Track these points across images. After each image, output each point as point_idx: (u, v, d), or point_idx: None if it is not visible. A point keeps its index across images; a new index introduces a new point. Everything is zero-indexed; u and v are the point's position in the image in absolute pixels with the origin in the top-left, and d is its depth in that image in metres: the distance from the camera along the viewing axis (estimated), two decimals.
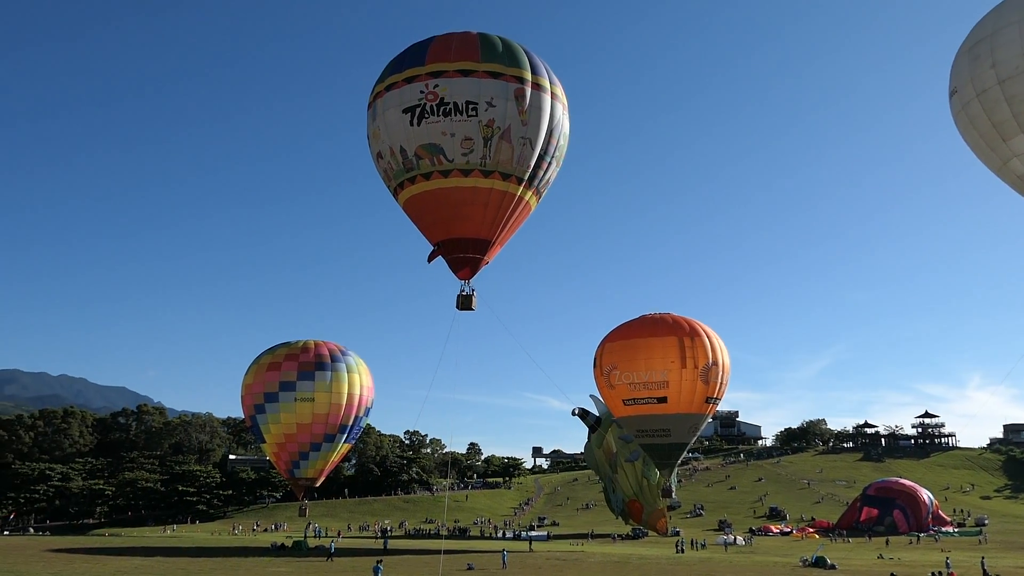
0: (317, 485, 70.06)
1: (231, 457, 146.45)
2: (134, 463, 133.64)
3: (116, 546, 70.30)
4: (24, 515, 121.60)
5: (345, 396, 65.75)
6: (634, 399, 62.93)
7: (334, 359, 66.85)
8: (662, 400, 61.69)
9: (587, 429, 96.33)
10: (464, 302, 36.40)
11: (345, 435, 66.75)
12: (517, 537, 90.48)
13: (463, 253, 36.18)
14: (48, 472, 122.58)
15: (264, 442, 67.83)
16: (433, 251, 36.77)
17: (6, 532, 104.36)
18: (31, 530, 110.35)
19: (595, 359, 67.78)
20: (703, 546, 74.82)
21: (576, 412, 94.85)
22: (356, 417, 67.20)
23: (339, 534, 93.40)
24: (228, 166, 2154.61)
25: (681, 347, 62.19)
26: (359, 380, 67.39)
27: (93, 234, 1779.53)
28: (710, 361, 62.48)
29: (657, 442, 62.95)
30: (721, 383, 63.56)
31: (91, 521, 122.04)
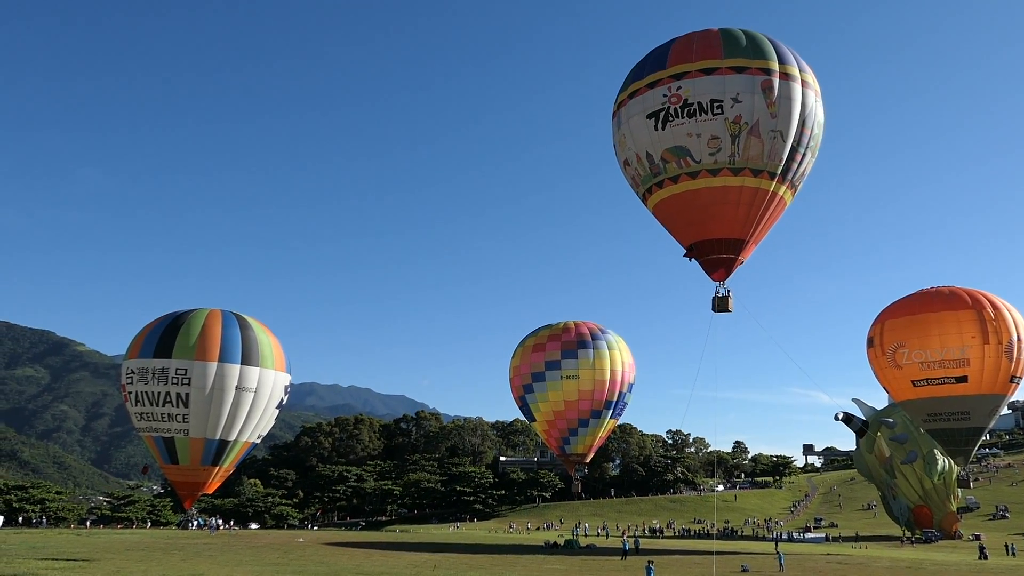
0: (587, 461, 71.65)
1: (501, 459, 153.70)
2: (416, 465, 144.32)
3: (406, 541, 76.32)
4: (328, 512, 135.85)
5: (608, 372, 67.01)
6: (927, 379, 57.80)
7: (594, 337, 68.37)
8: (961, 379, 56.35)
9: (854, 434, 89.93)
10: (720, 304, 35.62)
11: (611, 411, 67.97)
12: (791, 539, 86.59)
13: (716, 254, 35.47)
14: (345, 474, 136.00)
15: (534, 420, 70.77)
16: (686, 254, 36.32)
17: (315, 527, 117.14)
18: (361, 523, 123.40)
19: (871, 339, 62.85)
20: (1014, 552, 66.88)
21: (840, 417, 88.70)
22: (620, 393, 68.15)
23: (624, 532, 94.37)
24: (474, 166, 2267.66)
25: (981, 321, 56.65)
26: (620, 357, 68.37)
27: (369, 263, 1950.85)
28: (1014, 336, 56.46)
29: (953, 426, 57.52)
30: None
31: (383, 518, 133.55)
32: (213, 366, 48.30)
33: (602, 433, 69.03)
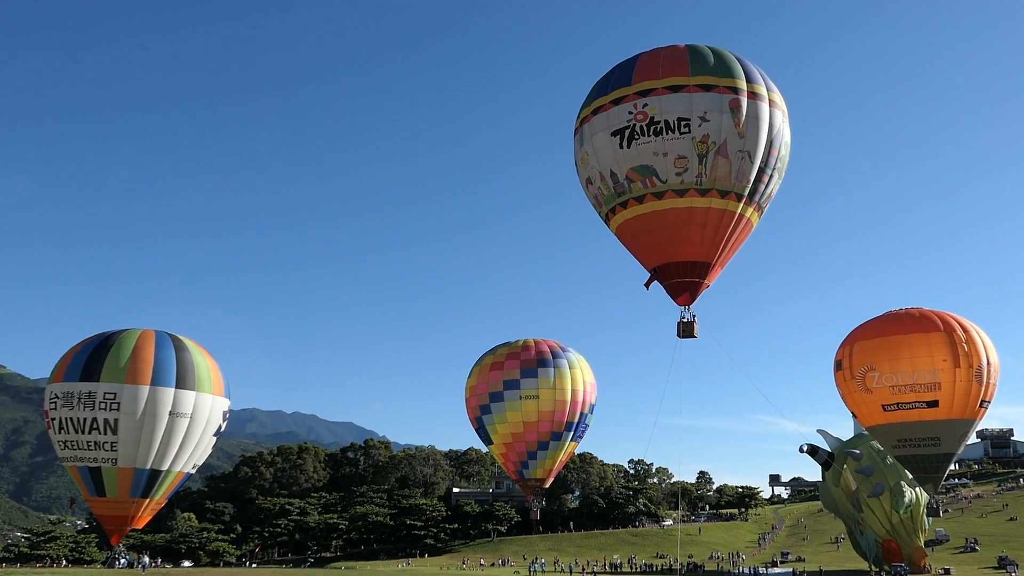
0: (546, 486, 71.63)
1: (455, 490, 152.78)
2: (364, 497, 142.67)
3: None
4: (268, 548, 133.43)
5: (569, 392, 67.16)
6: (897, 404, 58.92)
7: (555, 355, 68.54)
8: (932, 404, 57.53)
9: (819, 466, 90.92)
10: (685, 329, 36.14)
11: (571, 433, 68.11)
12: (757, 574, 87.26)
13: (682, 278, 36.06)
14: (288, 507, 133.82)
15: (491, 443, 70.56)
16: (650, 277, 36.72)
17: (253, 565, 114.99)
18: (309, 559, 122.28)
19: (839, 361, 63.82)
20: None
21: (805, 449, 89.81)
22: (581, 414, 68.35)
23: (584, 568, 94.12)
24: (427, 183, 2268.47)
25: (952, 344, 57.95)
26: (581, 376, 68.62)
27: (314, 285, 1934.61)
28: (984, 360, 57.89)
29: (923, 452, 58.71)
30: (993, 384, 59.06)
31: (328, 555, 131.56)
32: (145, 390, 47.54)
33: (562, 456, 69.15)
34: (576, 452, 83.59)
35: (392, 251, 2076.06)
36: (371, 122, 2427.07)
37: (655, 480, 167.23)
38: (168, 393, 48.39)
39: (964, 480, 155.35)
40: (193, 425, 49.40)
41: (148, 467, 48.18)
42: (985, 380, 58.45)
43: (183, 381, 49.04)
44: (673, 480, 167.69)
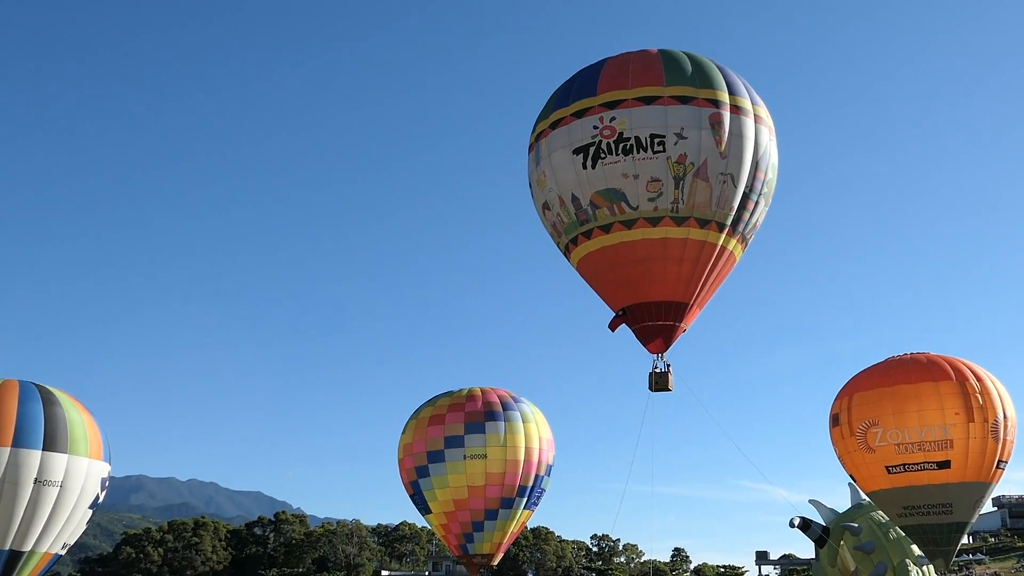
0: (495, 564, 70.73)
1: (384, 573, 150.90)
2: None
3: None
4: None
5: (522, 451, 66.26)
6: (904, 465, 59.60)
7: (506, 407, 67.72)
8: (943, 464, 57.98)
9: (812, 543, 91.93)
10: (658, 381, 36.20)
11: (525, 499, 67.33)
12: None
13: (654, 321, 35.98)
14: None
15: (429, 512, 69.56)
16: (615, 318, 36.71)
17: None
18: None
19: (836, 416, 64.42)
20: None
21: (796, 523, 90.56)
22: (536, 477, 67.63)
23: None
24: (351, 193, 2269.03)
25: (965, 395, 58.70)
26: (536, 432, 67.94)
27: (211, 326, 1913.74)
28: (1000, 414, 59.06)
29: (933, 521, 59.21)
30: (1011, 442, 60.34)
31: None
32: (5, 452, 46.33)
33: (514, 527, 68.46)
34: (529, 525, 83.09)
35: (308, 286, 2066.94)
36: (290, 150, 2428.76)
37: (622, 559, 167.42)
38: (33, 456, 47.15)
39: (979, 555, 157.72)
40: (64, 495, 48.19)
41: (7, 548, 46.90)
42: (1002, 437, 59.42)
43: (52, 442, 47.85)
44: (644, 559, 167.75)
